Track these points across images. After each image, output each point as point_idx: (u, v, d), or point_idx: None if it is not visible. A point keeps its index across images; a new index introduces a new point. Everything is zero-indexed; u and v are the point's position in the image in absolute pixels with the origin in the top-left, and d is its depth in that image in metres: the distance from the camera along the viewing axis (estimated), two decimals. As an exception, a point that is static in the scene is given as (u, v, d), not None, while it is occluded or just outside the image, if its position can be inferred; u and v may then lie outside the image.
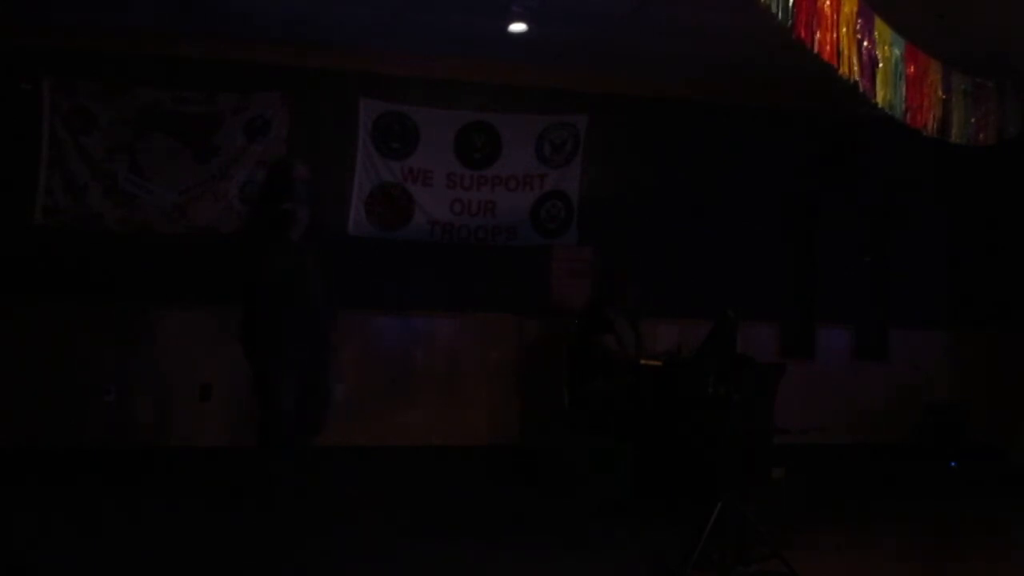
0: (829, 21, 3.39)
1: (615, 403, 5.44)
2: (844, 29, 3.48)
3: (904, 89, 4.03)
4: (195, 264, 6.25)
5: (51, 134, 6.18)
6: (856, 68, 3.58)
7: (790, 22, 3.23)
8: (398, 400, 6.73)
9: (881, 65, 3.78)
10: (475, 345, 6.91)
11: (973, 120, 4.61)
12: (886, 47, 3.81)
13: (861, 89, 3.69)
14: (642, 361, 5.56)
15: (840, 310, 7.57)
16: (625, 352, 5.74)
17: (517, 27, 6.01)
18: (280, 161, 5.61)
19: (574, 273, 7.03)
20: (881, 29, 3.81)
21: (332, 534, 4.59)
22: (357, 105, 6.67)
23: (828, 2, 3.36)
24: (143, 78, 6.32)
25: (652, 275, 6.71)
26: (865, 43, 3.63)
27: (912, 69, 4.10)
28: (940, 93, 4.34)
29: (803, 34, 3.31)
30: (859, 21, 3.57)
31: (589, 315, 5.91)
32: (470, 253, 6.90)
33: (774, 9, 3.20)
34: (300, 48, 6.50)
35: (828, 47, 3.41)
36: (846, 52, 3.51)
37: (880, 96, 3.81)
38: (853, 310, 7.63)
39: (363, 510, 5.13)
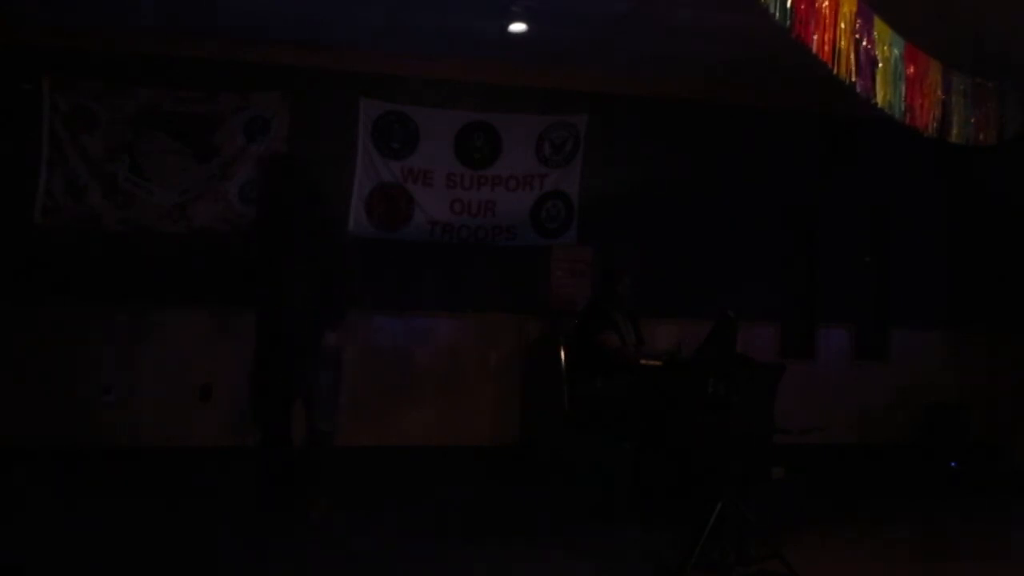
0: (827, 21, 3.39)
1: (615, 403, 5.44)
2: (843, 29, 3.47)
3: (904, 89, 4.02)
4: (195, 264, 6.25)
5: (51, 134, 6.18)
6: (854, 68, 3.58)
7: (788, 22, 3.23)
8: (398, 400, 6.73)
9: (881, 65, 3.78)
10: (475, 345, 6.91)
11: (973, 120, 4.60)
12: (885, 47, 3.81)
13: (859, 89, 3.68)
14: (642, 361, 5.57)
15: (840, 310, 7.57)
16: (628, 349, 5.75)
17: (517, 27, 6.01)
18: (271, 159, 5.59)
19: (574, 273, 7.03)
20: (880, 29, 3.80)
21: (332, 534, 4.59)
22: (357, 105, 6.67)
23: (827, 2, 3.36)
24: (143, 78, 6.32)
25: (652, 275, 6.72)
26: (864, 43, 3.63)
27: (912, 69, 4.09)
28: (940, 93, 4.34)
29: (801, 34, 3.31)
30: (858, 21, 3.57)
31: (589, 314, 5.92)
32: (470, 253, 6.91)
33: (772, 9, 3.20)
34: (300, 48, 6.50)
35: (827, 47, 3.41)
36: (844, 52, 3.51)
37: (880, 96, 3.81)
38: (853, 310, 7.64)
39: (363, 510, 5.13)
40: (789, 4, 3.21)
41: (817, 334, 7.55)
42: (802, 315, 7.56)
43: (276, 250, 4.89)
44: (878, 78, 3.81)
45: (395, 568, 4.16)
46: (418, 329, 6.83)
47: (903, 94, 4.03)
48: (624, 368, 5.51)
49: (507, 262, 6.95)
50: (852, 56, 3.57)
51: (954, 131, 4.47)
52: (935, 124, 4.33)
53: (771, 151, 7.26)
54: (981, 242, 7.67)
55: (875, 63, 3.77)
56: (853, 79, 3.60)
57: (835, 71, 3.51)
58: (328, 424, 4.90)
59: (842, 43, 3.50)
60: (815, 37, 3.36)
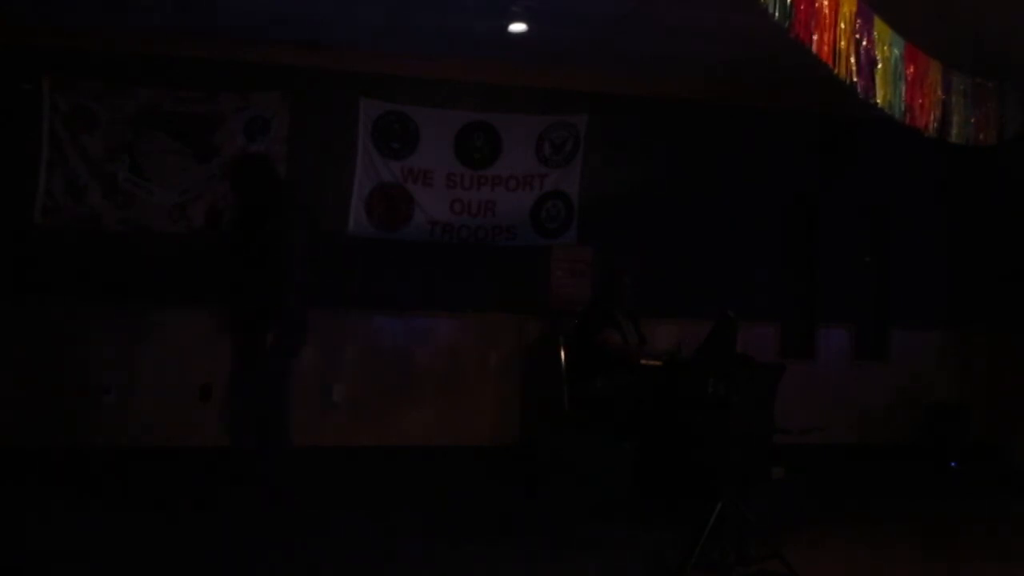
0: (827, 21, 3.39)
1: (615, 402, 5.44)
2: (843, 29, 3.48)
3: (904, 89, 4.03)
4: (195, 264, 6.25)
5: (51, 134, 6.18)
6: (854, 68, 3.58)
7: (788, 22, 3.23)
8: (398, 400, 6.73)
9: (880, 65, 3.78)
10: (475, 345, 6.91)
11: (973, 120, 4.61)
12: (885, 47, 3.81)
13: (859, 89, 3.69)
14: (642, 361, 5.56)
15: (840, 310, 7.57)
16: (630, 346, 5.75)
17: (517, 27, 6.01)
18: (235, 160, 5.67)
19: (574, 273, 7.02)
20: (880, 29, 3.81)
21: (332, 534, 4.59)
22: (357, 105, 6.67)
23: (827, 2, 3.36)
24: (143, 78, 6.32)
25: (652, 275, 6.72)
26: (864, 43, 3.63)
27: (912, 69, 4.10)
28: (940, 93, 4.35)
29: (801, 34, 3.30)
30: (858, 21, 3.57)
31: (590, 314, 5.92)
32: (470, 253, 6.90)
33: (772, 9, 3.20)
34: (300, 48, 6.50)
35: (826, 47, 3.41)
36: (844, 52, 3.51)
37: (880, 96, 3.81)
38: (853, 310, 7.64)
39: (363, 510, 5.14)
40: (789, 4, 3.22)
41: (817, 334, 7.55)
42: (802, 315, 7.56)
43: (241, 251, 4.93)
44: (878, 78, 3.81)
45: (395, 568, 4.17)
46: (418, 329, 6.83)
47: (903, 94, 4.03)
48: (625, 367, 5.51)
49: (507, 262, 6.95)
50: (852, 56, 3.57)
51: (954, 131, 4.47)
52: (935, 124, 4.34)
53: (771, 151, 7.27)
54: (981, 242, 7.67)
55: (875, 63, 3.77)
56: (853, 79, 3.60)
57: (835, 71, 3.51)
58: (263, 436, 4.92)
59: (842, 43, 3.50)
60: (815, 37, 3.36)
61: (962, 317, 7.69)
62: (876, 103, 3.87)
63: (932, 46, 4.24)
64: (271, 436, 4.97)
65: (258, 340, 4.83)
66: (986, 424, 7.36)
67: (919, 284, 7.66)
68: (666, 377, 5.30)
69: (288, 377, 5.05)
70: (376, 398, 6.68)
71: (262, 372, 4.91)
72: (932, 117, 4.30)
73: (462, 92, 6.90)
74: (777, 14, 3.20)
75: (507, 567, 4.20)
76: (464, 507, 5.34)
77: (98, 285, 6.23)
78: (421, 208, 6.79)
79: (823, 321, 7.56)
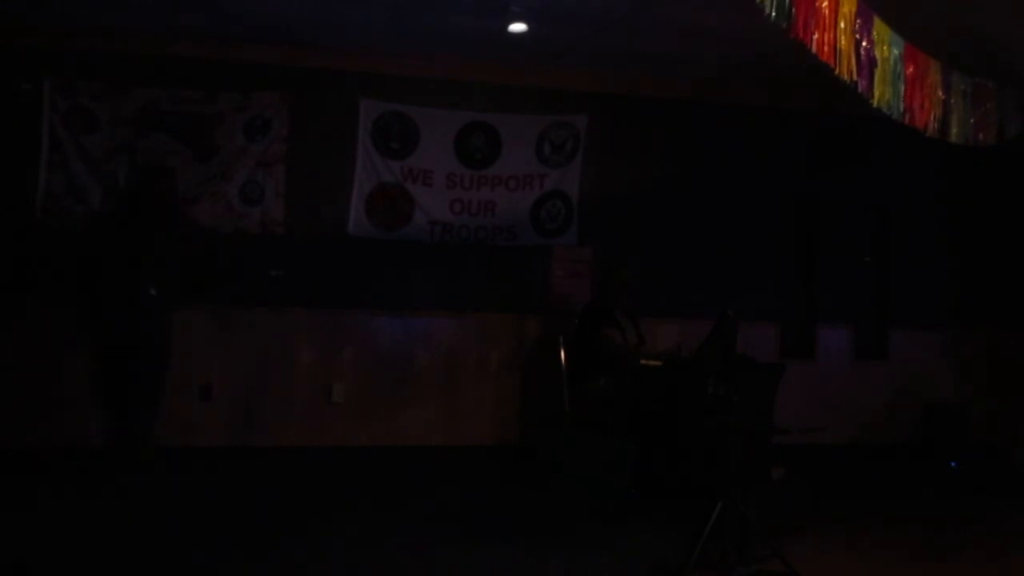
0: (827, 21, 3.39)
1: (616, 402, 5.45)
2: (842, 29, 3.48)
3: (903, 89, 4.03)
4: (195, 264, 6.24)
5: (51, 134, 6.18)
6: (854, 68, 3.58)
7: (788, 22, 3.23)
8: (398, 400, 6.73)
9: (879, 65, 3.78)
10: (475, 345, 6.91)
11: (973, 120, 4.61)
12: (885, 47, 3.82)
13: (859, 89, 3.69)
14: (642, 361, 5.57)
15: (840, 310, 7.57)
16: (628, 346, 5.75)
17: (517, 27, 6.01)
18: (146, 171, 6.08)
19: (574, 273, 7.03)
20: (880, 29, 3.81)
21: (332, 533, 4.59)
22: (357, 105, 6.67)
23: (826, 2, 3.36)
24: (143, 78, 6.32)
25: (652, 275, 6.72)
26: (864, 43, 3.63)
27: (911, 69, 4.10)
28: (940, 93, 4.35)
29: (801, 34, 3.31)
30: (858, 21, 3.58)
31: (590, 313, 5.92)
32: (470, 253, 6.90)
33: (772, 9, 3.20)
34: (300, 48, 6.50)
35: (826, 47, 3.41)
36: (844, 52, 3.51)
37: (878, 96, 3.81)
38: (853, 310, 7.63)
39: (363, 510, 5.14)
40: (789, 4, 3.22)
41: (817, 334, 7.55)
42: (802, 315, 7.56)
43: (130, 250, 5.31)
44: (876, 78, 3.82)
45: (395, 568, 4.16)
46: (418, 329, 6.83)
47: (902, 94, 4.03)
48: (625, 367, 5.51)
49: (507, 262, 6.95)
50: (852, 56, 3.57)
51: (954, 131, 4.48)
52: (935, 124, 4.34)
53: (771, 151, 7.27)
54: (981, 242, 7.67)
55: (874, 63, 3.78)
56: (854, 78, 3.60)
57: (835, 71, 3.52)
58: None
59: (842, 43, 3.50)
60: (815, 37, 3.36)
61: (962, 317, 7.69)
62: (875, 103, 3.87)
63: (932, 46, 4.24)
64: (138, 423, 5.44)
65: (141, 340, 5.37)
66: (986, 424, 7.36)
67: (919, 284, 7.66)
68: (666, 377, 5.30)
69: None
70: (376, 398, 6.68)
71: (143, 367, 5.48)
72: (932, 117, 4.30)
73: (462, 92, 6.90)
74: (777, 14, 3.20)
75: (507, 567, 4.20)
76: (464, 507, 5.34)
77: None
78: (421, 208, 6.79)
79: (823, 321, 7.56)
